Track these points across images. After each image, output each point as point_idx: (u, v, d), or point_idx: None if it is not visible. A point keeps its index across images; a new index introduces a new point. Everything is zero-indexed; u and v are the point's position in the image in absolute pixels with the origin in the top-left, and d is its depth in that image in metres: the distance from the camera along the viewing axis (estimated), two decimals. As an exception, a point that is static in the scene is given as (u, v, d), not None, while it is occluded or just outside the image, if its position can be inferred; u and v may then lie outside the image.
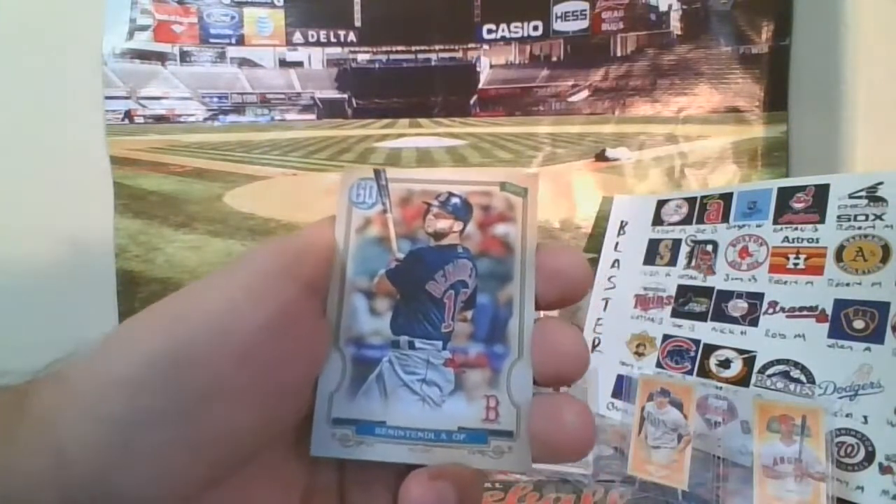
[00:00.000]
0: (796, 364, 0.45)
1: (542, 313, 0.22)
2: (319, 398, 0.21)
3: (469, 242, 0.22)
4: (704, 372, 0.49)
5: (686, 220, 0.57)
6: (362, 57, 0.67)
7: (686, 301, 0.53)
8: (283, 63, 0.67)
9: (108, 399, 0.17)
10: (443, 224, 0.22)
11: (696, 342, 0.51)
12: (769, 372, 0.46)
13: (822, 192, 0.48)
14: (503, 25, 0.66)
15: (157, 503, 0.17)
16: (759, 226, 0.51)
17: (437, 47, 0.66)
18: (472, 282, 0.22)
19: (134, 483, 0.17)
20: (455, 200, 0.22)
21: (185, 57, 0.66)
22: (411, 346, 0.21)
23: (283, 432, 0.20)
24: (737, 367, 0.48)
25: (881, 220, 0.44)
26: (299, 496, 0.21)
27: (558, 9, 0.66)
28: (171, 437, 0.17)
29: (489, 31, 0.66)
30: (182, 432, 0.17)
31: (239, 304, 0.18)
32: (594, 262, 0.62)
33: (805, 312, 0.46)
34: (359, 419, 0.21)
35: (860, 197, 0.46)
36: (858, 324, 0.43)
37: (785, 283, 0.48)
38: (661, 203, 0.60)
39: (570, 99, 0.66)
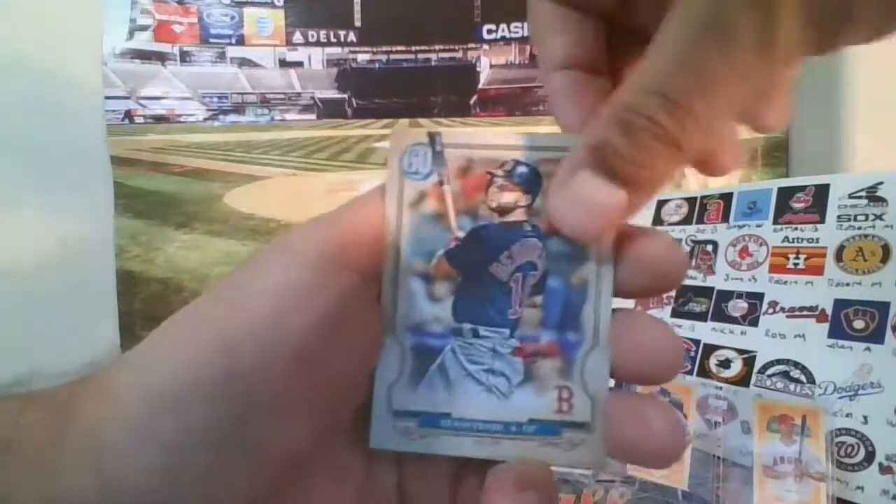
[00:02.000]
0: (796, 364, 0.45)
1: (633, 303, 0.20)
2: (378, 390, 0.19)
3: (538, 219, 0.19)
4: (704, 372, 0.49)
5: (686, 220, 0.57)
6: (362, 57, 0.67)
7: (686, 301, 0.53)
8: (283, 63, 0.67)
9: (156, 419, 0.16)
10: (508, 197, 0.20)
11: (696, 342, 0.51)
12: (769, 372, 0.46)
13: (822, 192, 0.48)
14: (503, 25, 0.66)
15: None
16: (759, 226, 0.51)
17: (437, 47, 0.66)
18: (542, 263, 0.20)
19: None
20: (522, 170, 0.20)
21: (185, 57, 0.66)
22: (475, 333, 0.20)
23: (340, 430, 0.19)
24: (737, 367, 0.48)
25: (881, 220, 0.44)
26: (356, 492, 0.20)
27: (558, 9, 0.66)
28: (222, 456, 0.16)
29: (489, 31, 0.66)
30: (233, 452, 0.16)
31: (289, 305, 0.17)
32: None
33: (805, 312, 0.46)
34: (421, 411, 0.19)
35: (860, 197, 0.46)
36: (858, 324, 0.43)
37: (785, 283, 0.48)
38: (661, 203, 0.60)
39: (570, 99, 0.66)
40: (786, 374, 0.45)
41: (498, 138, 0.20)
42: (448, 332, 0.20)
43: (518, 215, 0.19)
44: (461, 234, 0.20)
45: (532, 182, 0.19)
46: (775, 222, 0.50)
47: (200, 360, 0.16)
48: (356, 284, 0.18)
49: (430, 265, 0.20)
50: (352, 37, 0.67)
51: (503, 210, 0.20)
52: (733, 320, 0.50)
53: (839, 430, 0.41)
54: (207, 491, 0.16)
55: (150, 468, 0.15)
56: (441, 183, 0.20)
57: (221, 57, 0.66)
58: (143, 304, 0.64)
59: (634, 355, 0.19)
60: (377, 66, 0.67)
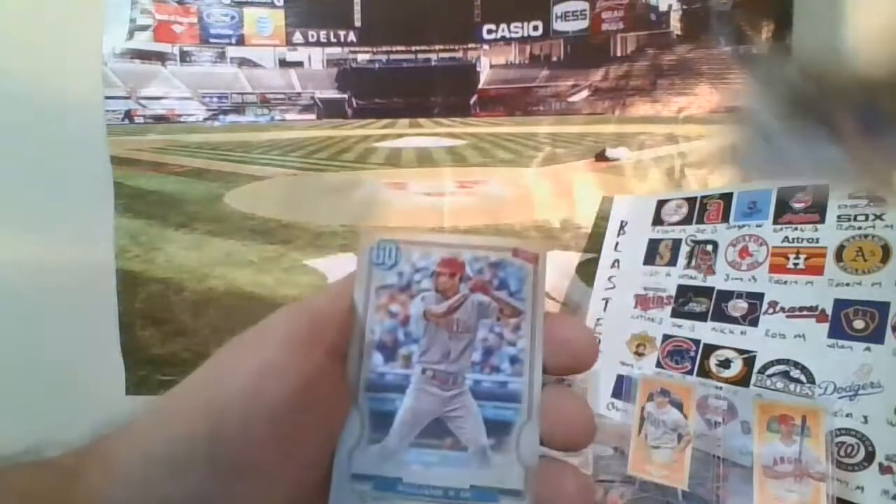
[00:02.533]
0: (796, 364, 0.45)
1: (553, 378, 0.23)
2: (339, 455, 0.22)
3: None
4: (704, 372, 0.49)
5: (686, 220, 0.57)
6: (362, 57, 0.67)
7: (686, 301, 0.53)
8: (283, 63, 0.67)
9: (154, 481, 0.18)
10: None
11: (696, 342, 0.51)
12: (769, 372, 0.46)
13: (822, 192, 0.48)
14: (503, 25, 0.66)
15: None
16: (759, 226, 0.51)
17: (437, 47, 0.66)
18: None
19: None
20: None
21: (185, 57, 0.66)
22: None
23: (305, 494, 0.21)
24: (737, 367, 0.48)
25: (881, 220, 0.44)
26: None
27: (558, 9, 0.66)
28: None
29: (489, 31, 0.66)
30: None
31: (266, 379, 0.19)
32: (594, 262, 0.62)
33: (805, 312, 0.46)
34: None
35: (860, 197, 0.46)
36: (858, 324, 0.43)
37: (785, 283, 0.48)
38: (661, 203, 0.60)
39: (570, 99, 0.66)
40: (786, 374, 0.45)
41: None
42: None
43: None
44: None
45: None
46: (775, 222, 0.50)
47: (190, 428, 0.18)
48: (324, 362, 0.21)
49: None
50: (352, 37, 0.67)
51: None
52: (733, 320, 0.50)
53: (839, 430, 0.41)
54: None
55: None
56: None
57: (221, 57, 0.66)
58: (143, 304, 0.64)
59: (559, 428, 0.22)
60: (377, 66, 0.67)
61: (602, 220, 0.64)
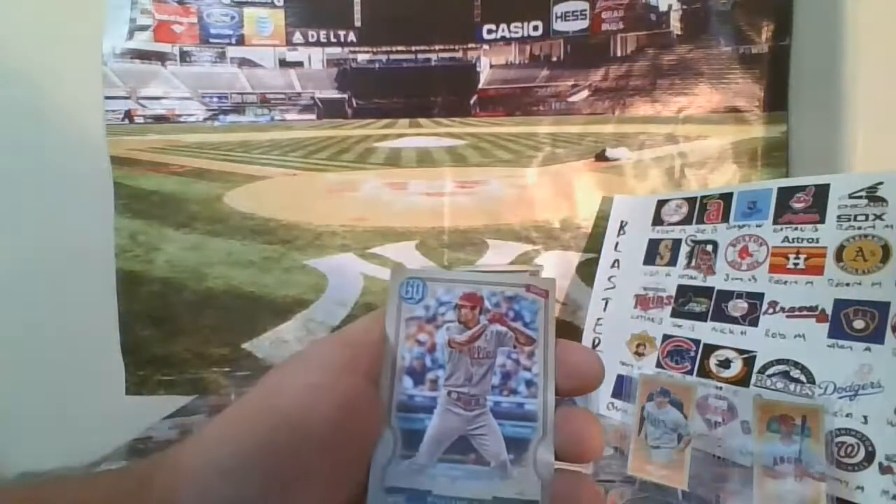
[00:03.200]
0: (796, 364, 0.45)
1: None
2: (374, 470, 0.24)
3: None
4: (704, 372, 0.49)
5: (686, 220, 0.57)
6: (362, 57, 0.67)
7: (686, 301, 0.53)
8: (283, 63, 0.67)
9: (216, 484, 0.20)
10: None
11: (696, 342, 0.51)
12: (769, 372, 0.46)
13: (822, 192, 0.48)
14: (503, 25, 0.66)
15: None
16: (759, 226, 0.51)
17: (437, 47, 0.66)
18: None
19: None
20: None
21: (185, 57, 0.66)
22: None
23: (346, 500, 0.23)
24: (737, 367, 0.48)
25: (881, 220, 0.44)
26: None
27: (558, 9, 0.66)
28: None
29: (489, 31, 0.66)
30: None
31: (314, 399, 0.22)
32: (594, 262, 0.62)
33: (805, 312, 0.46)
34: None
35: (860, 197, 0.46)
36: (858, 324, 0.43)
37: (785, 283, 0.48)
38: (661, 203, 0.60)
39: (570, 99, 0.66)
40: (786, 374, 0.45)
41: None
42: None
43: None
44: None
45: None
46: (775, 222, 0.50)
47: (248, 441, 0.21)
48: (362, 385, 0.24)
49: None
50: (352, 37, 0.67)
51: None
52: (733, 320, 0.50)
53: (839, 430, 0.41)
54: None
55: None
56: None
57: (221, 57, 0.66)
58: (143, 304, 0.64)
59: (572, 443, 0.24)
60: (377, 66, 0.67)
61: (602, 220, 0.64)
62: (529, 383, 0.25)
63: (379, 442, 0.24)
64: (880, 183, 0.45)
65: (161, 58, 0.65)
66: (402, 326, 0.26)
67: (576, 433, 0.24)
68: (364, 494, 0.24)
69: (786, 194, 0.50)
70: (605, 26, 0.65)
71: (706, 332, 0.51)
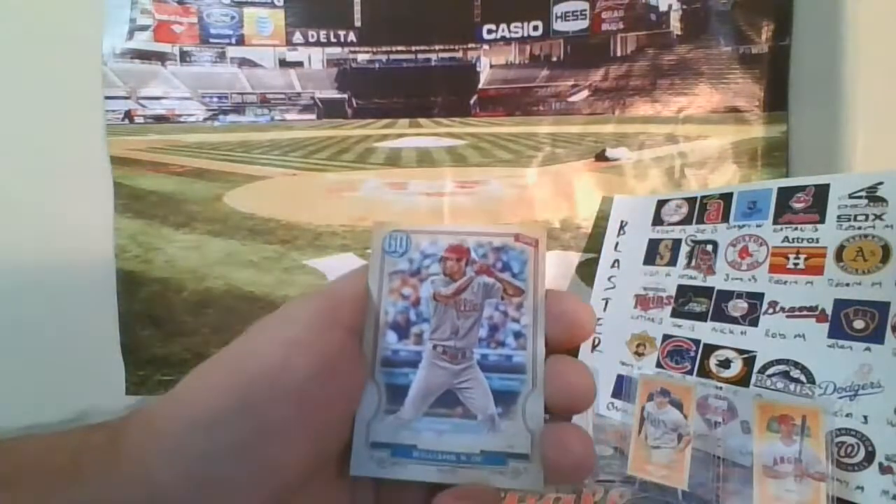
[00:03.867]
0: (796, 364, 0.45)
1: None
2: (358, 425, 0.24)
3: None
4: (704, 372, 0.49)
5: (686, 220, 0.57)
6: (362, 57, 0.67)
7: (686, 301, 0.53)
8: (283, 63, 0.67)
9: (191, 436, 0.20)
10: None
11: (696, 342, 0.51)
12: (769, 372, 0.46)
13: (822, 192, 0.48)
14: (503, 25, 0.66)
15: None
16: (759, 226, 0.51)
17: (437, 47, 0.66)
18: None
19: None
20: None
21: (185, 57, 0.66)
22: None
23: (329, 459, 0.23)
24: (737, 367, 0.48)
25: (881, 220, 0.44)
26: None
27: (558, 9, 0.66)
28: (242, 469, 0.20)
29: (489, 31, 0.66)
30: (251, 465, 0.21)
31: (291, 354, 0.22)
32: (594, 262, 0.62)
33: (805, 312, 0.46)
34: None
35: (860, 197, 0.46)
36: (858, 324, 0.43)
37: (785, 283, 0.48)
38: (661, 203, 0.60)
39: (570, 99, 0.66)
40: (786, 374, 0.45)
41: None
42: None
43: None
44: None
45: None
46: (775, 222, 0.50)
47: (223, 393, 0.21)
48: (344, 339, 0.23)
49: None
50: (352, 37, 0.67)
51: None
52: (733, 320, 0.50)
53: (839, 430, 0.41)
54: (230, 494, 0.20)
55: (187, 476, 0.20)
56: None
57: (221, 57, 0.66)
58: (143, 304, 0.64)
59: (562, 394, 0.24)
60: (377, 66, 0.67)
61: (602, 220, 0.64)
62: (518, 335, 0.25)
63: (362, 397, 0.24)
64: (880, 183, 0.45)
65: (161, 58, 0.65)
66: (386, 280, 0.25)
67: (566, 384, 0.24)
68: (348, 450, 0.23)
69: (786, 194, 0.50)
70: (605, 26, 0.65)
71: (706, 332, 0.51)
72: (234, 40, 0.66)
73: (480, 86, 0.67)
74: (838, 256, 0.46)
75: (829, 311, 0.45)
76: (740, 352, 0.48)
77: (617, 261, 0.61)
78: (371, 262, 0.25)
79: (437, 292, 0.25)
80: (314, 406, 0.22)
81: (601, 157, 0.66)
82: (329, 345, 0.22)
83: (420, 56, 0.67)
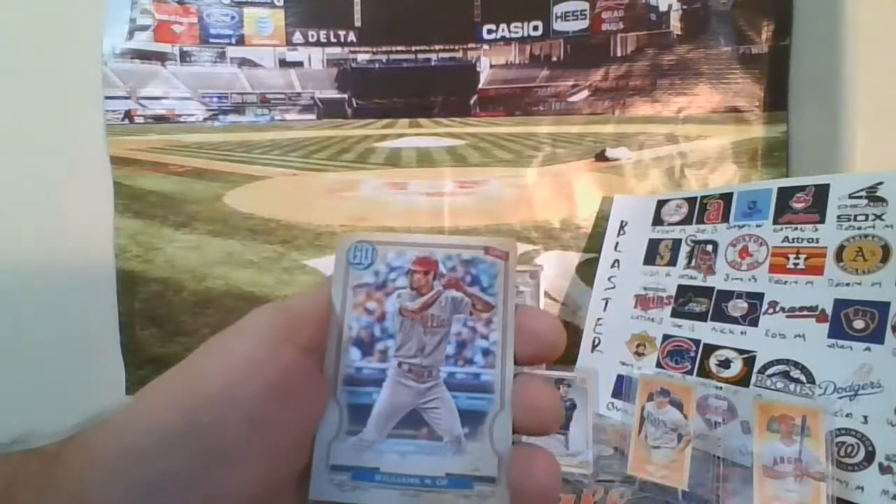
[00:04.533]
0: (796, 364, 0.45)
1: (524, 369, 0.24)
2: (318, 447, 0.23)
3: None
4: (704, 372, 0.49)
5: (686, 220, 0.57)
6: (362, 57, 0.67)
7: (686, 301, 0.53)
8: (283, 63, 0.67)
9: (132, 465, 0.19)
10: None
11: (696, 342, 0.51)
12: (769, 372, 0.46)
13: (822, 192, 0.48)
14: (503, 25, 0.66)
15: None
16: (759, 226, 0.51)
17: (437, 47, 0.66)
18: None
19: None
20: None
21: (185, 57, 0.66)
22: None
23: (287, 483, 0.22)
24: (737, 367, 0.48)
25: (881, 220, 0.44)
26: None
27: (558, 9, 0.66)
28: (186, 495, 0.19)
29: (489, 31, 0.66)
30: (196, 494, 0.19)
31: (243, 374, 0.20)
32: (594, 262, 0.62)
33: (805, 312, 0.46)
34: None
35: (860, 197, 0.46)
36: (858, 324, 0.43)
37: (785, 283, 0.48)
38: (661, 203, 0.60)
39: (570, 99, 0.66)
40: (786, 374, 0.45)
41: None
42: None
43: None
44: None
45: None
46: (775, 222, 0.50)
47: (167, 419, 0.19)
48: (301, 358, 0.22)
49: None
50: (352, 37, 0.67)
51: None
52: (733, 320, 0.50)
53: (839, 430, 0.41)
54: None
55: None
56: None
57: (221, 57, 0.66)
58: (143, 304, 0.64)
59: (530, 414, 0.23)
60: (377, 66, 0.67)
61: (602, 220, 0.64)
62: (486, 352, 0.24)
63: (323, 417, 0.23)
64: (880, 183, 0.45)
65: (161, 58, 0.65)
66: (350, 294, 0.24)
67: (535, 405, 0.23)
68: (307, 473, 0.22)
69: (786, 194, 0.50)
70: (605, 26, 0.65)
71: (706, 332, 0.51)
72: (234, 40, 0.66)
73: (480, 86, 0.67)
74: (838, 256, 0.46)
75: (829, 311, 0.45)
76: (740, 352, 0.48)
77: (617, 261, 0.61)
78: (335, 275, 0.24)
79: (404, 307, 0.24)
80: (267, 428, 0.20)
81: (601, 157, 0.66)
82: (286, 363, 0.21)
83: (420, 56, 0.67)
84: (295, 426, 0.22)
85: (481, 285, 0.24)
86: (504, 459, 0.23)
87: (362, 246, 0.24)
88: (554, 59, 0.66)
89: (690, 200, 0.58)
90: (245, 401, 0.20)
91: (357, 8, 0.66)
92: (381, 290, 0.24)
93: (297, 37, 0.67)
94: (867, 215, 0.45)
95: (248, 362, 0.21)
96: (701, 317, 0.52)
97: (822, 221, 0.47)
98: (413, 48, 0.66)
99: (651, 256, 0.58)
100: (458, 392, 0.23)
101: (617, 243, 0.62)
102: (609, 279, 0.60)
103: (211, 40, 0.66)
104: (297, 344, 0.22)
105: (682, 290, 0.54)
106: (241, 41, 0.66)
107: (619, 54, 0.65)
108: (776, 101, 0.63)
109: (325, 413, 0.23)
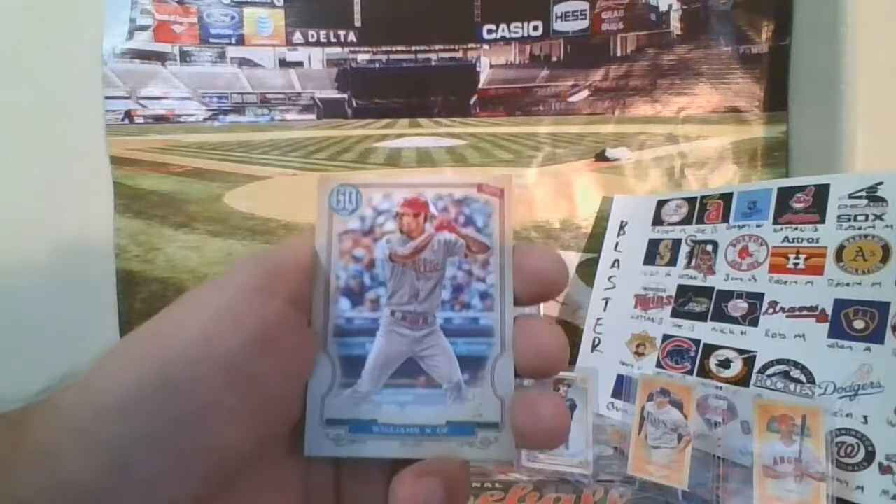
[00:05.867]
0: (796, 364, 0.45)
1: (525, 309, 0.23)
2: (311, 401, 0.22)
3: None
4: (704, 372, 0.49)
5: (686, 220, 0.57)
6: (362, 57, 0.67)
7: (686, 301, 0.53)
8: (283, 63, 0.67)
9: (101, 425, 0.18)
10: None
11: (696, 342, 0.51)
12: (769, 372, 0.46)
13: (822, 192, 0.48)
14: (503, 25, 0.66)
15: None
16: (759, 226, 0.51)
17: (437, 47, 0.66)
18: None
19: (130, 502, 0.18)
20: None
21: (185, 57, 0.66)
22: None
23: (276, 439, 0.21)
24: (737, 367, 0.48)
25: (881, 220, 0.44)
26: (297, 496, 0.22)
27: (558, 9, 0.66)
28: (163, 457, 0.18)
29: (489, 31, 0.66)
30: (173, 453, 0.18)
31: (220, 326, 0.19)
32: (594, 262, 0.62)
33: (805, 312, 0.46)
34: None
35: (860, 197, 0.46)
36: (858, 324, 0.43)
37: (785, 283, 0.48)
38: (661, 203, 0.60)
39: (570, 99, 0.66)
40: (786, 374, 0.45)
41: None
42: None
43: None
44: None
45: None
46: (775, 222, 0.50)
47: (139, 375, 0.18)
48: (286, 310, 0.20)
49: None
50: (352, 37, 0.67)
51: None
52: (733, 320, 0.50)
53: (839, 430, 0.41)
54: (153, 490, 0.18)
55: (99, 468, 0.17)
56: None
57: (221, 57, 0.66)
58: (143, 304, 0.64)
59: (533, 356, 0.22)
60: (377, 66, 0.67)
61: (602, 220, 0.64)
62: (484, 295, 0.22)
63: (314, 371, 0.22)
64: (880, 183, 0.45)
65: (161, 58, 0.65)
66: (335, 242, 0.23)
67: (537, 345, 0.22)
68: (299, 426, 0.22)
69: (786, 194, 0.50)
70: (605, 26, 0.65)
71: (706, 332, 0.51)
72: (234, 40, 0.66)
73: (480, 86, 0.67)
74: (838, 256, 0.46)
75: (829, 311, 0.45)
76: (740, 352, 0.48)
77: (617, 261, 0.61)
78: (318, 223, 0.23)
79: (394, 252, 0.23)
80: (249, 383, 0.19)
81: (601, 157, 0.66)
82: (267, 316, 0.20)
83: (420, 56, 0.67)
84: (281, 381, 0.20)
85: (476, 225, 0.23)
86: (507, 404, 0.22)
87: (345, 189, 0.23)
88: (554, 59, 0.66)
89: (690, 200, 0.58)
90: (223, 354, 0.19)
91: (357, 8, 0.66)
92: (368, 235, 0.23)
93: (297, 37, 0.67)
94: (867, 215, 0.45)
95: (225, 314, 0.19)
96: (701, 317, 0.52)
97: (822, 221, 0.47)
98: (413, 48, 0.66)
99: (651, 256, 0.58)
100: (456, 338, 0.22)
101: (617, 243, 0.62)
102: (609, 279, 0.60)
103: (211, 40, 0.66)
104: (280, 295, 0.20)
105: (682, 290, 0.54)
106: (241, 41, 0.66)
107: (619, 54, 0.65)
108: (776, 101, 0.63)
109: (316, 367, 0.22)
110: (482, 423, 0.22)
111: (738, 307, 0.50)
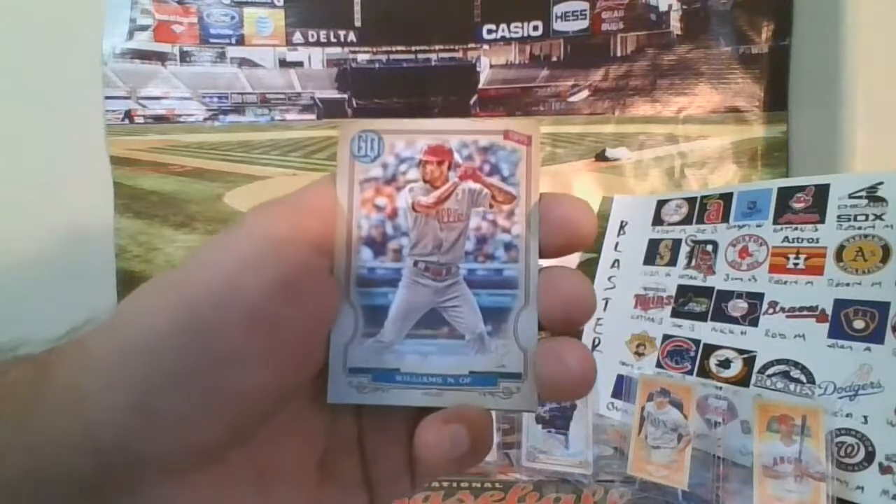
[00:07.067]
0: (796, 364, 0.45)
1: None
2: (334, 350, 0.22)
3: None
4: (704, 372, 0.49)
5: (686, 220, 0.57)
6: (362, 57, 0.67)
7: (686, 301, 0.53)
8: (283, 63, 0.67)
9: (128, 365, 0.18)
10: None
11: (696, 342, 0.51)
12: (769, 372, 0.46)
13: (822, 192, 0.48)
14: (503, 25, 0.66)
15: (180, 463, 0.18)
16: (759, 226, 0.51)
17: (437, 47, 0.66)
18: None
19: (157, 444, 0.18)
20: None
21: (185, 57, 0.66)
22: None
23: (299, 387, 0.21)
24: (737, 367, 0.48)
25: (881, 220, 0.44)
26: (320, 445, 0.22)
27: (558, 9, 0.66)
28: (189, 399, 0.18)
29: (489, 31, 0.66)
30: (198, 395, 0.18)
31: (243, 271, 0.19)
32: (594, 262, 0.62)
33: (805, 312, 0.46)
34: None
35: (860, 197, 0.46)
36: (858, 324, 0.43)
37: (785, 283, 0.48)
38: (661, 203, 0.60)
39: (570, 99, 0.66)
40: (786, 374, 0.45)
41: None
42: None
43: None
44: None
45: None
46: (775, 222, 0.50)
47: (166, 316, 0.18)
48: (309, 256, 0.20)
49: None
50: (352, 37, 0.67)
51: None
52: (733, 320, 0.50)
53: (839, 430, 0.41)
54: (179, 431, 0.18)
55: (127, 408, 0.18)
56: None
57: (221, 57, 0.66)
58: (143, 304, 0.64)
59: (558, 307, 0.21)
60: (377, 66, 0.67)
61: (602, 220, 0.64)
62: (509, 246, 0.22)
63: (337, 319, 0.22)
64: (880, 183, 0.45)
65: (161, 58, 0.65)
66: (357, 190, 0.22)
67: (563, 297, 0.21)
68: (323, 376, 0.21)
69: (786, 194, 0.50)
70: (605, 26, 0.65)
71: (706, 332, 0.51)
72: (234, 40, 0.66)
73: (480, 86, 0.67)
74: (838, 256, 0.46)
75: (829, 311, 0.45)
76: (740, 352, 0.48)
77: (617, 261, 0.61)
78: (339, 170, 0.23)
79: (417, 201, 0.22)
80: (273, 328, 0.19)
81: (601, 157, 0.66)
82: (289, 261, 0.20)
83: (420, 56, 0.67)
84: (304, 327, 0.20)
85: (501, 174, 0.22)
86: (530, 355, 0.21)
87: (367, 136, 0.23)
88: (554, 59, 0.66)
89: (690, 200, 0.58)
90: (248, 297, 0.19)
91: (357, 8, 0.66)
92: (390, 184, 0.22)
93: (297, 37, 0.67)
94: (867, 215, 0.45)
95: (248, 260, 0.19)
96: (701, 317, 0.52)
97: (822, 221, 0.47)
98: (413, 48, 0.66)
99: (651, 256, 0.58)
100: (480, 289, 0.22)
101: (617, 243, 0.62)
102: (609, 279, 0.60)
103: (211, 40, 0.66)
104: (301, 241, 0.20)
105: (682, 290, 0.54)
106: (241, 41, 0.66)
107: (619, 54, 0.65)
108: (776, 101, 0.63)
109: (338, 315, 0.22)
110: (505, 373, 0.22)
111: (738, 307, 0.50)
